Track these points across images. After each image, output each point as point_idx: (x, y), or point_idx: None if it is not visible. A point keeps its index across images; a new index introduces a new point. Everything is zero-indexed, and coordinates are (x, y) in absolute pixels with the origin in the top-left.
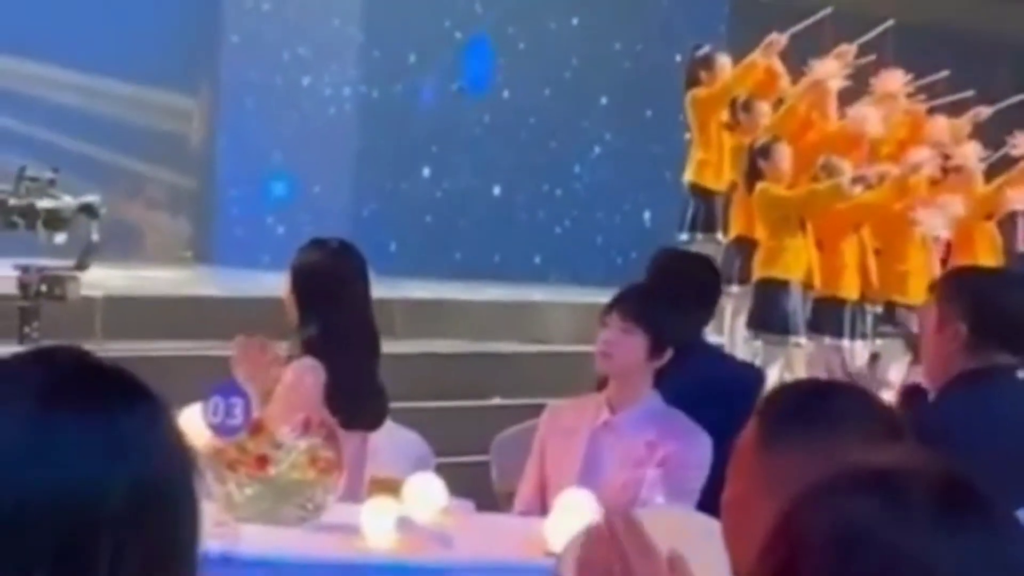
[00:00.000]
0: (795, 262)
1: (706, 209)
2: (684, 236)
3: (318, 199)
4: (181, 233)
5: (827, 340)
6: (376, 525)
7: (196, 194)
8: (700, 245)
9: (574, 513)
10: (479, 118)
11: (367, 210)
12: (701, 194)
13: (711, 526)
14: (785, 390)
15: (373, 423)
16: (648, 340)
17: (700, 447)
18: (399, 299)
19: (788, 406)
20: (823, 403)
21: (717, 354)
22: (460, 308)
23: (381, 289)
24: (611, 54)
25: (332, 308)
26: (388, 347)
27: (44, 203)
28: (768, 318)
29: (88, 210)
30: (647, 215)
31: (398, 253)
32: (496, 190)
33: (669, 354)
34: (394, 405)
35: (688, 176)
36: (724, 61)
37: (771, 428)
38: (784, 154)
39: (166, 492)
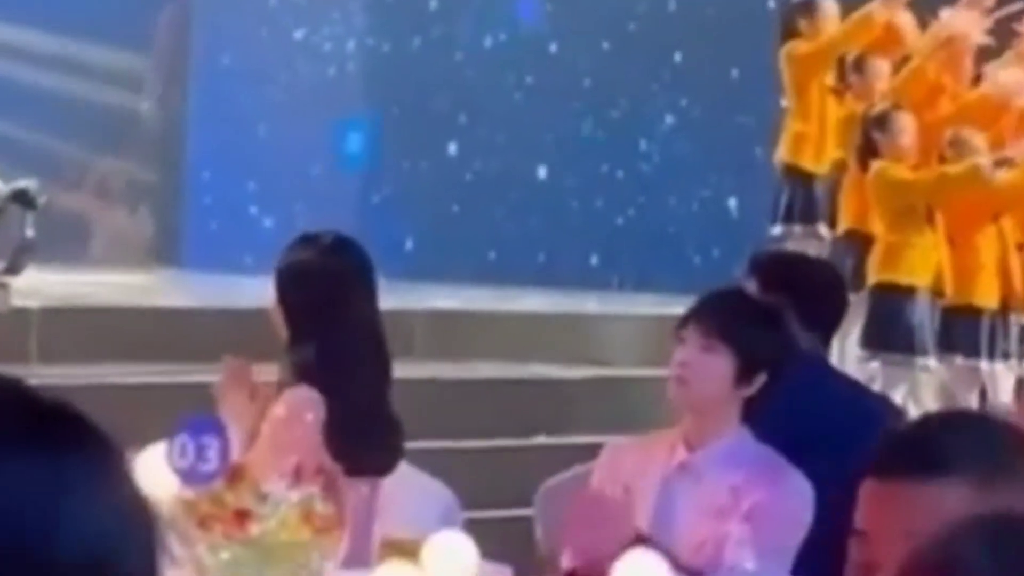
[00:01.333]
0: (922, 263)
1: (805, 195)
2: (778, 229)
3: (315, 184)
4: (139, 229)
5: (960, 360)
6: None
7: (157, 179)
8: (798, 241)
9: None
10: (519, 80)
11: (377, 197)
12: (799, 177)
13: None
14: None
15: (384, 467)
16: (735, 361)
17: (798, 495)
18: (417, 311)
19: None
20: (958, 444)
21: (837, 383)
22: (495, 321)
23: (394, 298)
24: None
25: (330, 323)
26: (402, 371)
27: None
28: (888, 334)
29: (22, 199)
30: (732, 203)
31: (416, 251)
32: (541, 172)
33: (761, 380)
34: (411, 445)
35: (783, 154)
36: (830, 7)
37: (905, 487)
38: (907, 126)
39: (116, 559)
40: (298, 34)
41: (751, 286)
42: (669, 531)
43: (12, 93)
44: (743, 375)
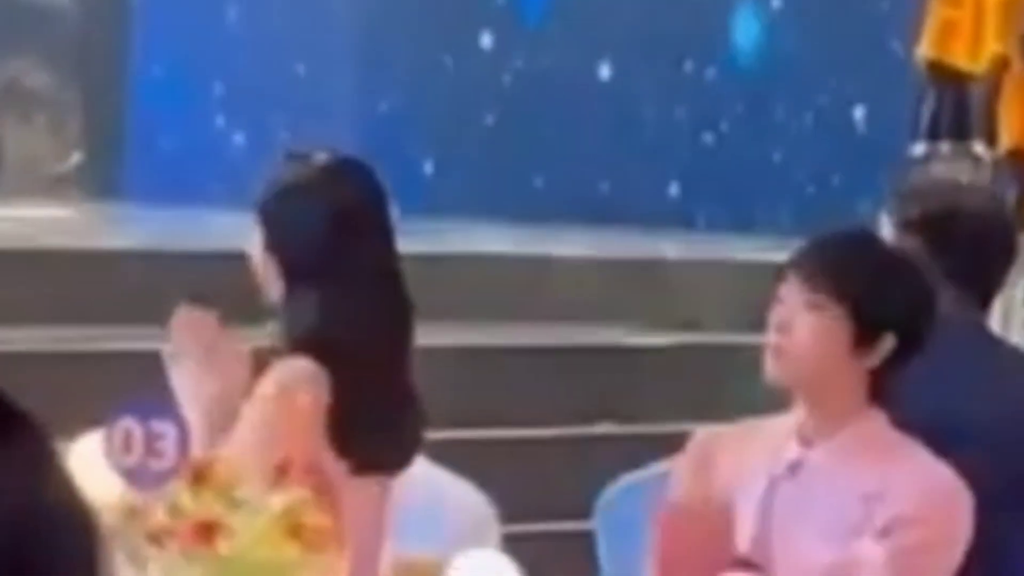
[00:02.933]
0: None
1: (956, 103)
2: (920, 148)
3: (304, 87)
4: (63, 148)
5: None
6: None
7: (87, 81)
8: (947, 163)
9: None
10: None
11: (385, 104)
12: (947, 79)
13: None
14: None
15: (399, 463)
16: (851, 324)
17: (953, 502)
18: (443, 255)
19: None
20: None
21: (999, 356)
22: (543, 270)
23: (412, 239)
24: None
25: (336, 275)
26: (424, 336)
27: None
28: None
29: None
30: (858, 113)
31: (438, 178)
32: (604, 71)
33: (888, 347)
34: (433, 435)
35: (927, 48)
36: None
37: None
38: None
39: (56, 570)
40: None
41: (886, 228)
42: (778, 552)
43: None
44: (863, 341)
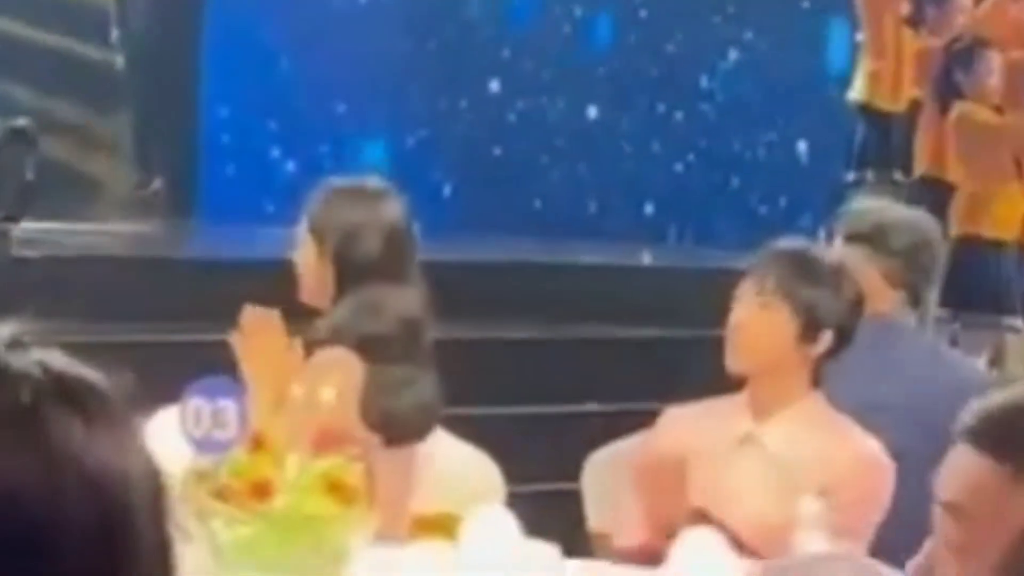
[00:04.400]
0: (1008, 215)
1: (880, 139)
2: (851, 176)
3: (345, 122)
4: (151, 177)
5: None
6: None
7: (171, 123)
8: (872, 188)
9: (699, 559)
10: (567, 11)
11: (412, 139)
12: (874, 119)
13: None
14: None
15: (420, 432)
16: (796, 320)
17: (878, 470)
18: (455, 263)
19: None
20: None
21: (920, 348)
22: (540, 276)
23: (431, 250)
24: None
25: (377, 281)
26: (440, 331)
27: None
28: (970, 292)
29: (20, 138)
30: (801, 147)
31: (454, 199)
32: (591, 112)
33: (828, 339)
34: (449, 411)
35: (856, 93)
36: None
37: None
38: (993, 65)
39: (125, 527)
40: None
41: (837, 242)
42: (730, 510)
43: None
44: (806, 335)
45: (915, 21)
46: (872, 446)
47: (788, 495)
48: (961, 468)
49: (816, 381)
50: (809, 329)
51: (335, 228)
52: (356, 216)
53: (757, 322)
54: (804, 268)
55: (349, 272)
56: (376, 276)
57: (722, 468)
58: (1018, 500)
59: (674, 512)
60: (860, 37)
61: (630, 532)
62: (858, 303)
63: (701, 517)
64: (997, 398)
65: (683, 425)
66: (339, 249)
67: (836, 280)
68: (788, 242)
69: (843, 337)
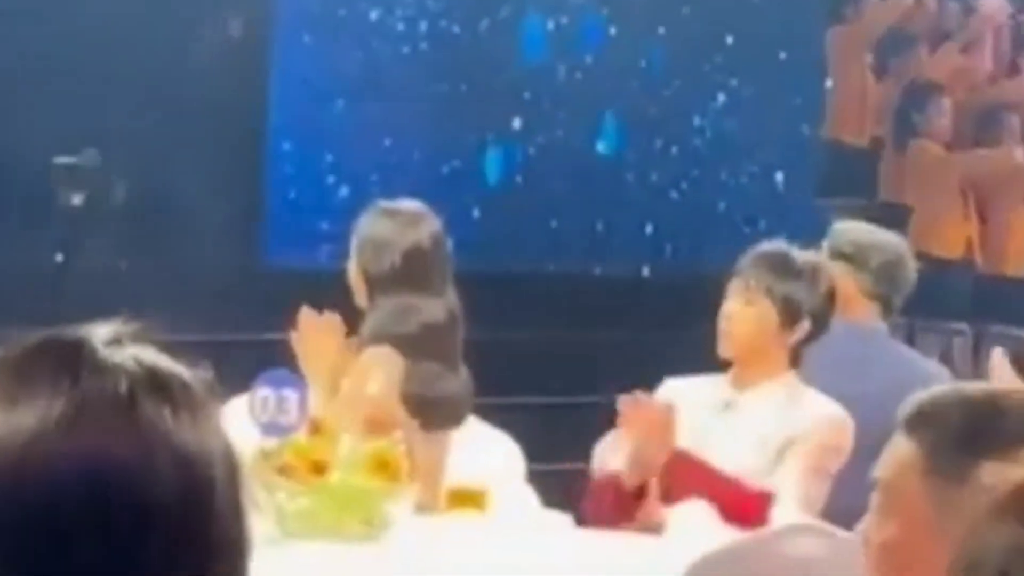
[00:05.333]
0: (955, 236)
1: (846, 169)
2: (821, 202)
3: (391, 154)
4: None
5: (993, 327)
6: (456, 542)
7: (240, 157)
8: (840, 213)
9: (692, 532)
10: (580, 62)
11: (447, 167)
12: (841, 151)
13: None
14: (946, 405)
15: (454, 420)
16: (775, 312)
17: (837, 423)
18: (487, 275)
19: (954, 426)
20: (992, 420)
21: (890, 347)
22: (558, 286)
23: (464, 262)
24: None
25: (393, 289)
26: (472, 332)
27: None
28: (923, 301)
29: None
30: (779, 176)
31: (484, 221)
32: (600, 147)
33: (805, 327)
34: (480, 400)
35: (827, 131)
36: None
37: (936, 454)
38: (942, 107)
39: (207, 497)
40: (373, 15)
41: (824, 254)
42: (710, 456)
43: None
44: (785, 325)
45: (877, 70)
46: (832, 407)
47: (759, 447)
48: (891, 449)
49: (794, 363)
50: (788, 319)
51: (365, 243)
52: (383, 234)
53: (743, 315)
54: (782, 267)
55: (375, 282)
56: (400, 286)
57: (708, 425)
58: (930, 479)
59: (657, 453)
60: (829, 83)
61: (613, 461)
62: (831, 296)
63: (683, 457)
64: (932, 390)
65: (678, 391)
66: (366, 262)
67: (811, 276)
68: (768, 245)
69: (819, 324)
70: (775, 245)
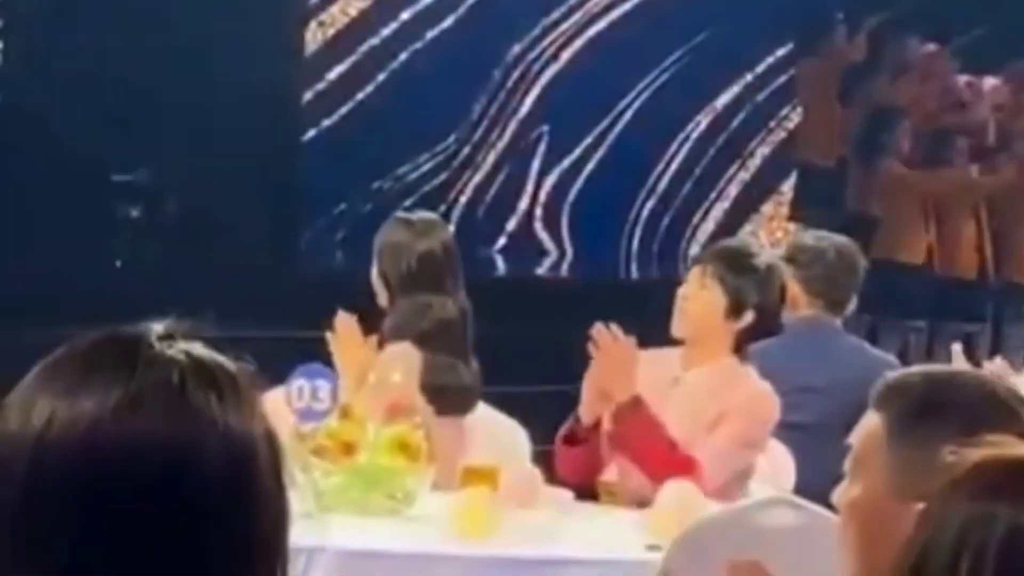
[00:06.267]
0: (915, 244)
1: (816, 185)
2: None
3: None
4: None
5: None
6: (470, 516)
7: (282, 163)
8: (810, 222)
9: (678, 505)
10: (604, 99)
11: (466, 198)
12: (812, 170)
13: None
14: (910, 381)
15: (465, 407)
16: (724, 299)
17: (766, 402)
18: (515, 279)
19: (916, 398)
20: (951, 394)
21: (842, 340)
22: (562, 289)
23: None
24: None
25: (410, 290)
26: (482, 328)
27: None
28: (886, 301)
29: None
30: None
31: (517, 234)
32: (608, 167)
33: (749, 317)
34: (491, 389)
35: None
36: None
37: (899, 423)
38: (905, 128)
39: (252, 475)
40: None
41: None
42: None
43: None
44: (731, 312)
45: (843, 97)
46: (761, 386)
47: (694, 421)
48: (863, 422)
49: (736, 349)
50: (734, 308)
51: (384, 249)
52: (401, 241)
53: (696, 298)
54: (737, 262)
55: (394, 284)
56: (416, 287)
57: (659, 398)
58: (892, 446)
59: (615, 388)
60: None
61: (587, 412)
62: (779, 293)
63: (638, 404)
64: (899, 371)
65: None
66: (385, 266)
67: (763, 273)
68: (732, 240)
69: (763, 318)
70: (739, 241)
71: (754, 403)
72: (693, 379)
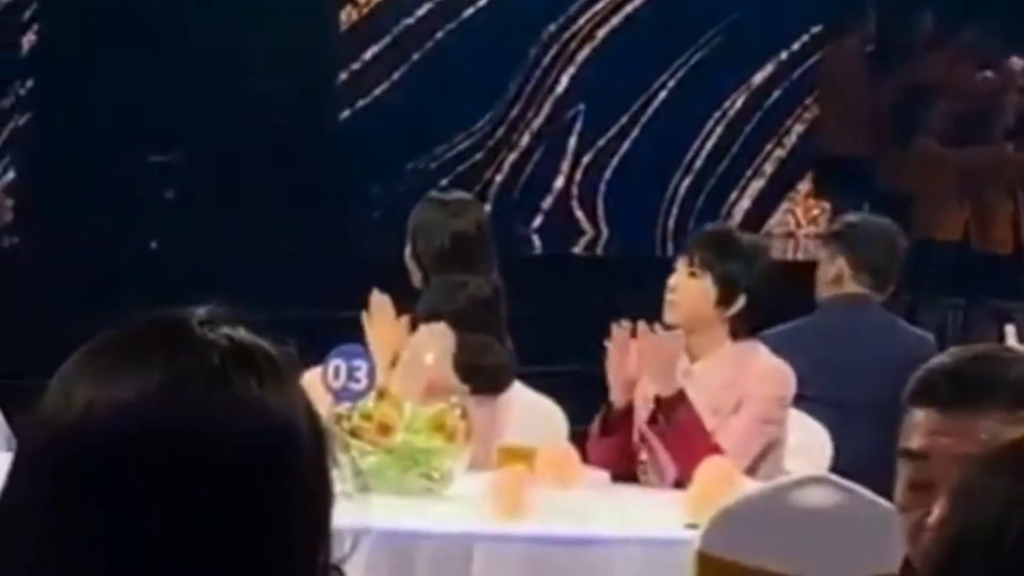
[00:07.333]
0: (952, 223)
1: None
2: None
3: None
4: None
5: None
6: (507, 496)
7: (322, 144)
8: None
9: (715, 483)
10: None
11: (499, 177)
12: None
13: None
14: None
15: (499, 387)
16: (715, 286)
17: (781, 380)
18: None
19: (958, 382)
20: (1000, 371)
21: (876, 316)
22: (594, 268)
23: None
24: None
25: (443, 269)
26: (518, 307)
27: None
28: (924, 280)
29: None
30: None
31: (548, 220)
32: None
33: (741, 302)
34: (527, 369)
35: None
36: None
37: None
38: (940, 108)
39: (298, 451)
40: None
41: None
42: None
43: None
44: (723, 299)
45: (876, 73)
46: (774, 362)
47: (718, 411)
48: (911, 421)
49: (734, 335)
50: (726, 294)
51: (418, 229)
52: (433, 220)
53: (685, 288)
54: (724, 246)
55: (427, 263)
56: (449, 266)
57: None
58: (969, 441)
59: (638, 375)
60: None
61: (617, 397)
62: (768, 274)
63: (683, 397)
64: (925, 368)
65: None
66: (418, 246)
67: (751, 255)
68: (714, 226)
69: (754, 300)
70: (721, 226)
71: (766, 382)
72: (701, 372)
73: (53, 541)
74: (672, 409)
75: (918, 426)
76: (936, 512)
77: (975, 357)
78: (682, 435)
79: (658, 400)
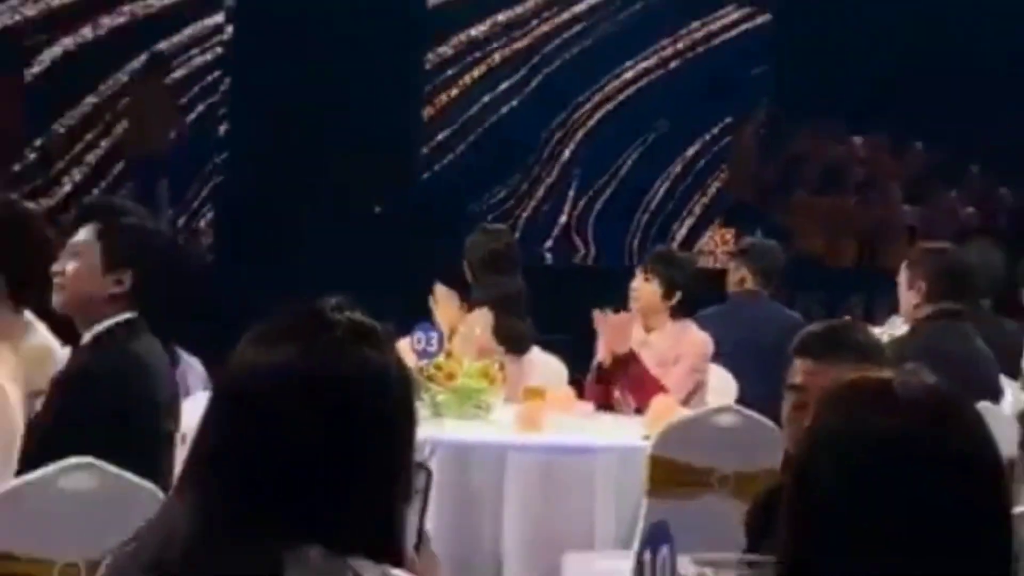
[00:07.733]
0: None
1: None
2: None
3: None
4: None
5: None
6: (529, 418)
7: (400, 153)
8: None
9: (662, 410)
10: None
11: (547, 206)
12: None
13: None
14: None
15: (523, 349)
16: (661, 287)
17: (701, 348)
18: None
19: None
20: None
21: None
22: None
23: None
24: None
25: (493, 271)
26: (536, 299)
27: None
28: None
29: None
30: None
31: (565, 231)
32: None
33: (677, 296)
34: (541, 338)
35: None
36: None
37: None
38: None
39: (403, 395)
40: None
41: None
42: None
43: None
44: (667, 294)
45: (763, 152)
46: (701, 334)
47: (663, 364)
48: (794, 366)
49: (674, 317)
50: (668, 291)
51: (470, 247)
52: (478, 242)
53: (642, 288)
54: (667, 259)
55: (476, 269)
56: (490, 271)
57: (636, 346)
58: (829, 379)
59: (617, 344)
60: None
61: (604, 359)
62: (697, 278)
63: (633, 355)
64: (804, 331)
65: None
66: (471, 257)
67: (686, 265)
68: (661, 246)
69: (688, 295)
70: (666, 247)
71: (695, 346)
72: (654, 340)
73: (226, 455)
74: (626, 363)
75: (798, 369)
76: (807, 423)
77: (835, 326)
78: (636, 380)
79: (615, 357)
